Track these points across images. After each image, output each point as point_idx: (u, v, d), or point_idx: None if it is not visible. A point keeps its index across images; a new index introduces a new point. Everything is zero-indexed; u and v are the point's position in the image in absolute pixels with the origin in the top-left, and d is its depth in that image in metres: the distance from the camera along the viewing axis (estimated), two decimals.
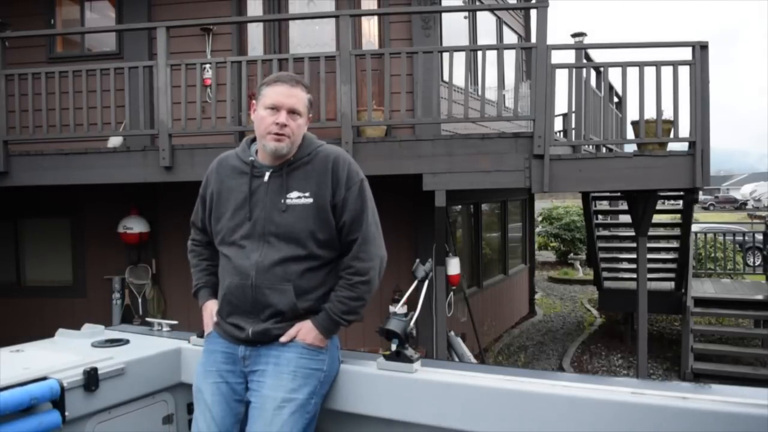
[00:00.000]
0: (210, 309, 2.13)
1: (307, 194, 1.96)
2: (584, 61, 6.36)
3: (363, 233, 1.98)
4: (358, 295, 1.98)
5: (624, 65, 5.43)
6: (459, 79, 6.15)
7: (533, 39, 5.62)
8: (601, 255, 8.88)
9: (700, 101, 5.38)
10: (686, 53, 5.51)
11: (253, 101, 2.04)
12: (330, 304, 1.97)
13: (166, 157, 5.74)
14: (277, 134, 1.93)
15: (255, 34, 7.12)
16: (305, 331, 1.96)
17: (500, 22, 9.02)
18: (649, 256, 7.65)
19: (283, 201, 1.96)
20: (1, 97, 5.99)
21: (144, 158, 5.94)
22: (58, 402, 1.94)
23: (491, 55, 5.53)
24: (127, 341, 2.41)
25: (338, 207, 1.97)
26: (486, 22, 8.63)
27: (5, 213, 7.44)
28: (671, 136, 5.67)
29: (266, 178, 1.99)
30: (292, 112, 1.95)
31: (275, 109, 1.94)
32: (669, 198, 10.73)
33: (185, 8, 7.05)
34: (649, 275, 7.34)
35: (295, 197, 1.96)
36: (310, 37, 7.00)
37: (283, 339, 1.95)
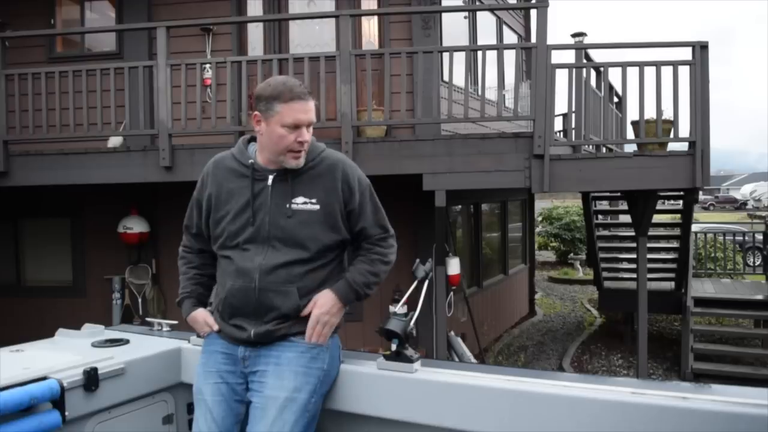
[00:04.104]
0: (201, 318, 2.10)
1: (314, 200, 1.96)
2: (584, 61, 6.36)
3: (384, 228, 2.08)
4: (376, 271, 2.03)
5: (624, 65, 5.43)
6: (459, 79, 6.15)
7: (533, 39, 5.62)
8: (601, 255, 8.88)
9: (700, 101, 5.38)
10: (686, 53, 5.51)
11: (257, 112, 1.95)
12: (349, 274, 2.00)
13: (166, 157, 5.74)
14: (298, 152, 1.93)
15: (255, 34, 7.12)
16: (323, 300, 1.96)
17: (500, 22, 9.02)
18: (649, 256, 7.65)
19: (288, 206, 1.95)
20: (1, 97, 5.99)
21: (144, 158, 5.94)
22: (58, 402, 1.94)
23: (491, 55, 5.53)
24: (127, 341, 2.41)
25: (354, 213, 2.01)
26: (486, 22, 8.63)
27: (5, 213, 7.44)
28: (671, 136, 5.67)
29: (269, 182, 1.97)
30: (310, 124, 1.95)
31: (297, 126, 1.91)
32: (669, 198, 10.72)
33: (185, 8, 7.05)
34: (649, 275, 7.33)
35: (300, 202, 1.95)
36: (310, 37, 7.00)
37: (303, 314, 1.94)
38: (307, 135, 1.93)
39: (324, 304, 1.95)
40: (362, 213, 2.01)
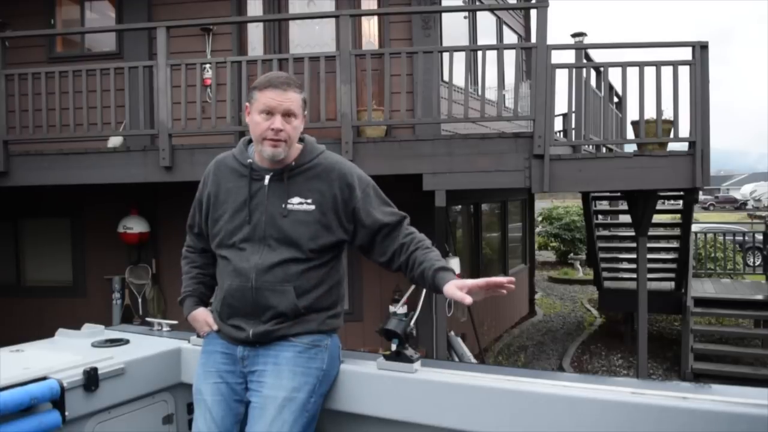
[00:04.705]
0: (202, 317, 2.12)
1: (309, 201, 1.96)
2: (584, 61, 6.36)
3: (400, 214, 2.04)
4: (437, 252, 2.00)
5: (624, 65, 5.43)
6: (459, 79, 6.15)
7: (533, 39, 5.62)
8: (601, 255, 8.88)
9: (700, 101, 5.38)
10: (686, 53, 5.52)
11: (247, 104, 2.02)
12: (429, 257, 1.95)
13: (166, 157, 5.74)
14: (273, 140, 1.92)
15: (255, 34, 7.12)
16: (459, 283, 1.85)
17: (500, 22, 9.02)
18: (649, 256, 7.65)
19: (284, 206, 1.95)
20: (1, 97, 5.99)
21: (144, 158, 5.94)
22: (58, 402, 1.94)
23: (491, 55, 5.53)
24: (127, 341, 2.41)
25: (360, 210, 1.97)
26: (486, 22, 8.63)
27: (5, 213, 7.44)
28: (671, 136, 5.67)
29: (266, 181, 1.98)
30: (287, 114, 1.93)
31: (269, 113, 1.92)
32: (669, 198, 10.73)
33: (185, 8, 7.05)
34: (649, 275, 7.34)
35: (296, 203, 1.95)
36: (310, 37, 7.00)
37: (472, 286, 1.82)
38: (279, 123, 1.91)
39: (461, 284, 1.85)
40: (371, 208, 1.99)
